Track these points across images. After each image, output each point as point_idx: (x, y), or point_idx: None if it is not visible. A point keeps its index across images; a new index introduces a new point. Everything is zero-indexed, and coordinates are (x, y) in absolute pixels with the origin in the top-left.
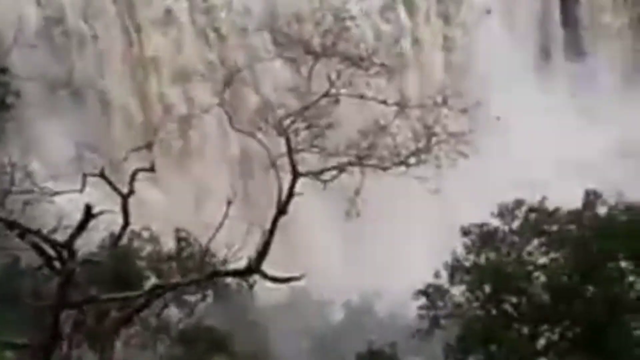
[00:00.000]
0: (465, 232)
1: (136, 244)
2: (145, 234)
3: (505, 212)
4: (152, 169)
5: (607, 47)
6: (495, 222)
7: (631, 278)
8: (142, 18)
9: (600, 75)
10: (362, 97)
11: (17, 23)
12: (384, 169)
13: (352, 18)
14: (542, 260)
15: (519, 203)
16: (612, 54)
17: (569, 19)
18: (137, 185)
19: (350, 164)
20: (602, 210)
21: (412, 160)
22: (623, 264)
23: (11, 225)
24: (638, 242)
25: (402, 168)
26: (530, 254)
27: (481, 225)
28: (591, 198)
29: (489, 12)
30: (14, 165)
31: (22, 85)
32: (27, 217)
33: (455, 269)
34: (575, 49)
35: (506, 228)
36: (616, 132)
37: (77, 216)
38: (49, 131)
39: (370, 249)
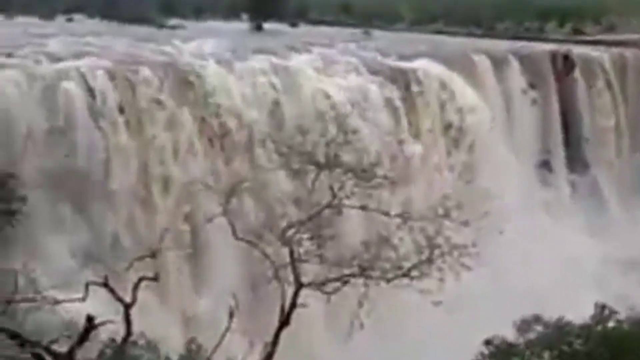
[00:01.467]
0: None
1: (133, 351)
2: (142, 342)
3: (521, 326)
4: (155, 279)
5: (609, 159)
6: (509, 336)
7: None
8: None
9: (603, 187)
10: (364, 208)
11: (27, 131)
12: (387, 280)
13: (355, 132)
14: None
15: (536, 319)
16: (614, 166)
17: (571, 131)
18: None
19: (353, 275)
20: (611, 324)
21: (415, 272)
22: None
23: (13, 335)
24: None
25: (406, 280)
26: None
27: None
28: (601, 312)
29: (492, 123)
30: (18, 273)
31: (29, 192)
32: (29, 325)
33: None
34: (577, 160)
35: (520, 341)
36: (619, 245)
37: (80, 325)
38: (53, 239)
39: None
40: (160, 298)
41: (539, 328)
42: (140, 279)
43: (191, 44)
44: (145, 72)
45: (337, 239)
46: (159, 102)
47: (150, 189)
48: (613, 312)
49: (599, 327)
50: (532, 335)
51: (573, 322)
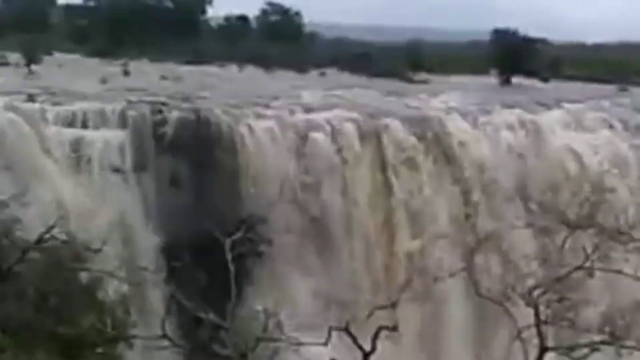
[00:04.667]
0: None
1: None
2: None
3: None
4: (395, 329)
5: None
6: None
7: None
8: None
9: None
10: (619, 272)
11: (283, 178)
12: None
13: (612, 191)
14: None
15: None
16: None
17: None
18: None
19: (605, 342)
20: None
21: None
22: None
23: None
24: None
25: None
26: None
27: None
28: None
29: None
30: (267, 313)
31: (276, 237)
32: None
33: None
34: None
35: None
36: None
37: None
38: (298, 282)
39: None
40: (395, 349)
41: None
42: (380, 328)
43: (437, 98)
44: (393, 125)
45: (587, 303)
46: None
47: (394, 242)
48: None
49: None
50: None
51: None
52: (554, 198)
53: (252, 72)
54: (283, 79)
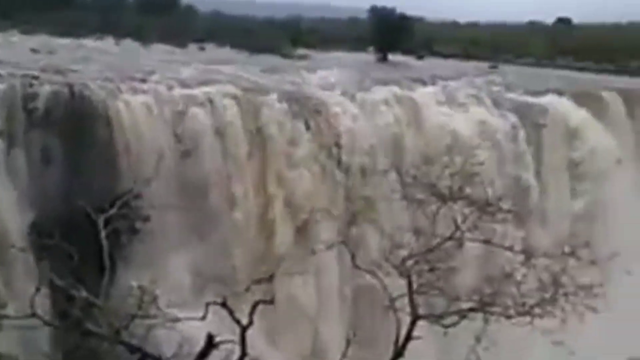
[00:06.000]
0: None
1: None
2: None
3: None
4: (272, 302)
5: None
6: None
7: None
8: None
9: None
10: (487, 242)
11: (160, 154)
12: (508, 317)
13: (481, 164)
14: None
15: None
16: None
17: None
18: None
19: (473, 309)
20: None
21: (537, 310)
22: None
23: (133, 349)
24: None
25: (527, 318)
26: None
27: None
28: None
29: (619, 162)
30: (142, 289)
31: (153, 213)
32: (149, 342)
33: None
34: None
35: None
36: None
37: (197, 344)
38: (175, 258)
39: None
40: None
41: None
42: (258, 302)
43: (317, 74)
44: (273, 100)
45: (457, 272)
46: (283, 128)
47: (271, 214)
48: None
49: None
50: None
51: None
52: (428, 171)
53: (129, 46)
54: (161, 53)
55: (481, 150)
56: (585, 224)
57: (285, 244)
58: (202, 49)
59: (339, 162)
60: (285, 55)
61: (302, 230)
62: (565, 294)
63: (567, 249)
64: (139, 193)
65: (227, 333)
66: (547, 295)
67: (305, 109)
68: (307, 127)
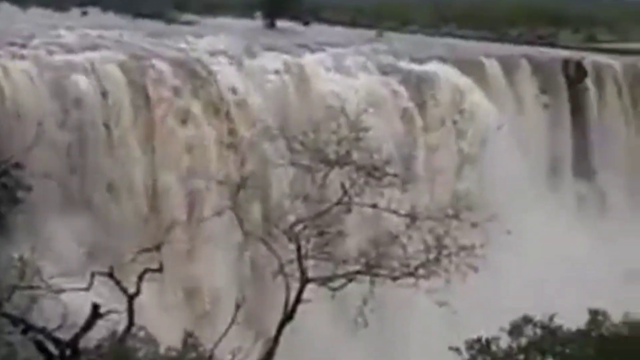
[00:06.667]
0: (470, 347)
1: (133, 343)
2: (141, 334)
3: (513, 330)
4: (159, 270)
5: (617, 166)
6: (504, 339)
7: None
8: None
9: (610, 194)
10: (374, 206)
11: (41, 122)
12: (394, 279)
13: (367, 130)
14: None
15: (526, 320)
16: (622, 173)
17: (580, 138)
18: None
19: (360, 272)
20: (606, 330)
21: (422, 271)
22: None
23: (16, 321)
24: None
25: (412, 279)
26: None
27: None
28: (595, 317)
29: (499, 127)
30: (24, 261)
31: (36, 181)
32: (33, 313)
33: None
34: (586, 167)
35: (514, 345)
36: (624, 252)
37: (83, 314)
38: (59, 228)
39: None
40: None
41: (531, 331)
42: (145, 271)
43: (204, 40)
44: (159, 66)
45: (345, 236)
46: (175, 92)
47: (159, 181)
48: (607, 318)
49: (594, 333)
50: (524, 339)
51: (565, 326)
52: (316, 137)
53: (7, 9)
54: (41, 17)
55: (368, 116)
56: (468, 186)
57: (174, 211)
58: (85, 13)
59: (229, 130)
60: (170, 21)
61: (191, 198)
62: (449, 255)
63: (450, 212)
64: (19, 162)
65: (116, 304)
66: (431, 257)
67: (193, 75)
68: (195, 95)
